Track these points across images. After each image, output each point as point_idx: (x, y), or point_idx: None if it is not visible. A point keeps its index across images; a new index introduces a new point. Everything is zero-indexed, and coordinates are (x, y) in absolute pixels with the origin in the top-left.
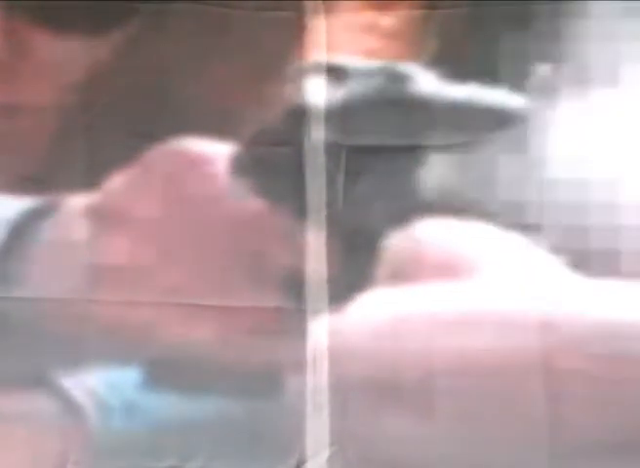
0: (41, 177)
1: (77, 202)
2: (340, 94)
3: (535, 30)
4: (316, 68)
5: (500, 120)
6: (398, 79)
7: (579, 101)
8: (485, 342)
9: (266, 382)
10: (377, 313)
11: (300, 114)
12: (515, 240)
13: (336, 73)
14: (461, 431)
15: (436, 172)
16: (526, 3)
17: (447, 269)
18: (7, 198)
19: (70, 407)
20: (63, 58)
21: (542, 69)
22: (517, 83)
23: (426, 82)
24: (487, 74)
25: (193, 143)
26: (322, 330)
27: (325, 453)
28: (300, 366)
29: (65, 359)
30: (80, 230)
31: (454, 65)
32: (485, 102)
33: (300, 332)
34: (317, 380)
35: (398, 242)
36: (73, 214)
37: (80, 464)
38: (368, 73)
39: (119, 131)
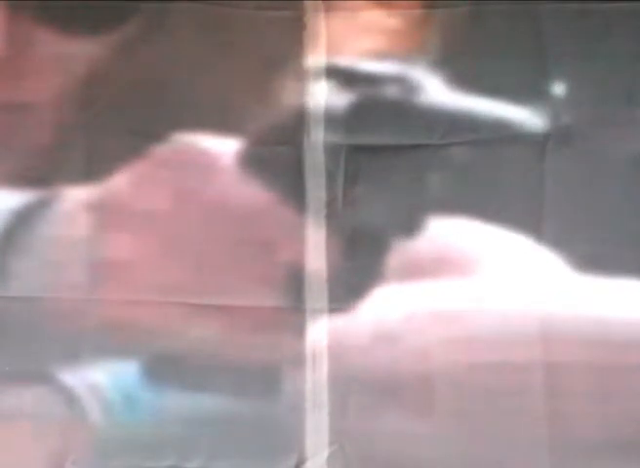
0: (41, 173)
1: (79, 196)
2: (343, 97)
3: (536, 29)
4: (316, 67)
5: (504, 132)
6: (406, 88)
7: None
8: (485, 340)
9: (266, 381)
10: (376, 311)
11: (299, 113)
12: (516, 238)
13: (337, 74)
14: (461, 428)
15: (436, 171)
16: (527, 2)
17: (448, 267)
18: (7, 193)
19: (72, 402)
20: (65, 55)
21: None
22: (519, 81)
23: (434, 90)
24: (488, 73)
25: (198, 140)
26: (321, 328)
27: (325, 452)
28: (299, 364)
29: (67, 354)
30: (82, 225)
31: (455, 65)
32: (491, 114)
33: (300, 331)
34: (317, 379)
35: (399, 241)
36: (75, 208)
37: (79, 463)
38: (375, 78)
39: (120, 128)
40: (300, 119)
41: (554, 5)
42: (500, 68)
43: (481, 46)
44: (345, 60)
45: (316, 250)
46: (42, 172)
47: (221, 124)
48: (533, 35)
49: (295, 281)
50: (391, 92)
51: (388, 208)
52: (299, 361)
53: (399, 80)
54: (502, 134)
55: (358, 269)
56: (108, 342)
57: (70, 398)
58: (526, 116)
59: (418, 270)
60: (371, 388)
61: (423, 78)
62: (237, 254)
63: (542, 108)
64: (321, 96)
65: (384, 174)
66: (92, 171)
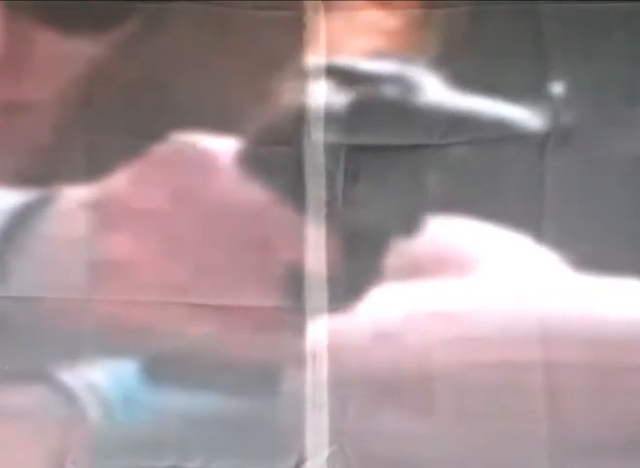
0: (41, 173)
1: (78, 196)
2: (343, 96)
3: (536, 29)
4: (316, 67)
5: (503, 132)
6: (406, 87)
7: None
8: (485, 339)
9: (266, 381)
10: (376, 310)
11: (299, 113)
12: (516, 238)
13: (337, 74)
14: (461, 428)
15: (436, 170)
16: (527, 2)
17: (447, 267)
18: (7, 192)
19: (72, 402)
20: (65, 54)
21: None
22: (519, 81)
23: (434, 90)
24: (488, 73)
25: (197, 140)
26: (321, 328)
27: (325, 452)
28: (299, 364)
29: (66, 354)
30: (81, 225)
31: (455, 65)
32: (491, 114)
33: (300, 331)
34: (316, 379)
35: (399, 240)
36: (74, 208)
37: (79, 463)
38: (374, 78)
39: (119, 128)
40: (299, 119)
41: (554, 5)
42: (499, 68)
43: (481, 46)
44: (345, 60)
45: (316, 249)
46: (42, 171)
47: (221, 123)
48: (533, 35)
49: (295, 281)
50: (391, 91)
51: (388, 208)
52: (298, 361)
53: (399, 79)
54: (502, 133)
55: (358, 269)
56: (108, 342)
57: (70, 397)
58: (526, 116)
59: (417, 270)
60: (371, 388)
61: (423, 77)
62: (237, 254)
63: (542, 108)
64: (321, 95)
65: (384, 174)
66: (92, 171)
